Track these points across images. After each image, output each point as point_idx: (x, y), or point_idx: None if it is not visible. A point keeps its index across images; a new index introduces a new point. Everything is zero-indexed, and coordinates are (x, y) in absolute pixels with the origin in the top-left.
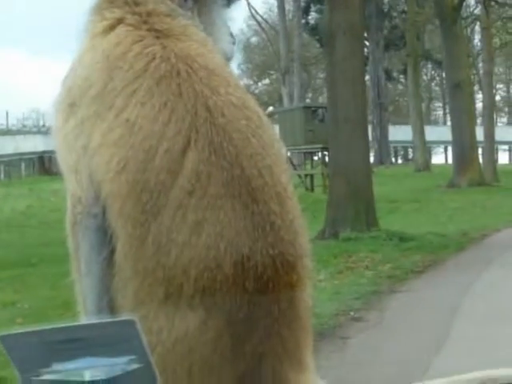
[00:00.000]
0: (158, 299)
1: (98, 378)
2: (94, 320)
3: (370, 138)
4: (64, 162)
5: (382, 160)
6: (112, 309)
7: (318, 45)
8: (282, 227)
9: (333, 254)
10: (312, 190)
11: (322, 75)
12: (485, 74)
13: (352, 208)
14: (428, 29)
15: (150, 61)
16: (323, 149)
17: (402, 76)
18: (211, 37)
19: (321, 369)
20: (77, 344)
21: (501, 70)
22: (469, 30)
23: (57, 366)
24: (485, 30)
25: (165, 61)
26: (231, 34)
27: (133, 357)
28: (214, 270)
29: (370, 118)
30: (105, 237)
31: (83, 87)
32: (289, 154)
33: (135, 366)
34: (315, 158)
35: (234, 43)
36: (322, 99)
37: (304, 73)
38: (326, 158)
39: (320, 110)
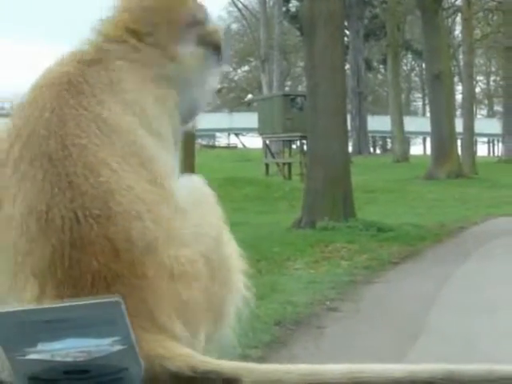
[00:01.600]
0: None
1: (82, 359)
2: (79, 301)
3: (349, 127)
4: None
5: (360, 150)
6: None
7: (298, 33)
8: (85, 184)
9: (309, 244)
10: (290, 178)
11: (301, 63)
12: (465, 65)
13: (329, 197)
14: (408, 19)
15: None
16: (302, 137)
17: (381, 66)
18: (194, 86)
19: (296, 358)
20: (62, 324)
21: (481, 61)
22: (450, 20)
23: (42, 346)
24: (466, 21)
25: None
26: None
27: (117, 338)
28: (26, 233)
29: (349, 107)
30: None
31: None
32: (267, 142)
33: (119, 347)
34: (293, 146)
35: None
36: (302, 88)
37: (284, 61)
38: (305, 147)
39: (299, 99)
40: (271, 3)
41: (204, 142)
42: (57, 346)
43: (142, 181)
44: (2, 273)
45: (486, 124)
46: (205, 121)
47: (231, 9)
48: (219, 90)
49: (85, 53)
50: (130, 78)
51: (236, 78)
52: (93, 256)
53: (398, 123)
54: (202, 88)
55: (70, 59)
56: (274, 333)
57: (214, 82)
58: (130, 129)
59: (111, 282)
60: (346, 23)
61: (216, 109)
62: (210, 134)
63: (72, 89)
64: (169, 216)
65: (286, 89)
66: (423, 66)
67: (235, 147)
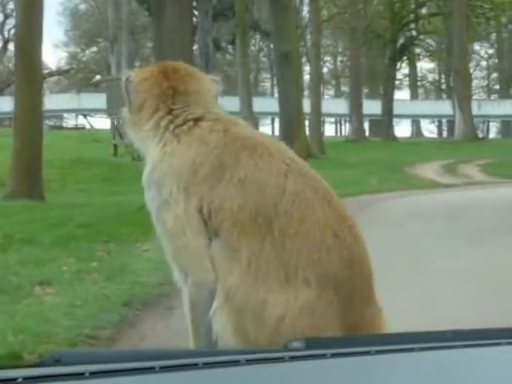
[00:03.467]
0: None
1: None
2: None
3: None
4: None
5: None
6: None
7: (146, 13)
8: (353, 221)
9: None
10: (139, 159)
11: (150, 44)
12: (312, 45)
13: None
14: (257, 0)
15: (244, 139)
16: None
17: (230, 46)
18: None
19: (146, 338)
20: None
21: (328, 42)
22: (297, 1)
23: None
24: (313, 2)
25: (250, 139)
26: None
27: None
28: (319, 243)
29: None
30: None
31: (194, 170)
32: (116, 123)
33: None
34: None
35: None
36: None
37: (132, 42)
38: None
39: None
40: None
41: (51, 123)
42: None
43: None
44: None
45: (334, 104)
46: (52, 101)
47: None
48: (67, 71)
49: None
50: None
51: (84, 58)
52: (363, 269)
53: (247, 103)
54: None
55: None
56: (122, 313)
57: None
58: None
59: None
60: (194, 3)
61: (63, 89)
62: (58, 114)
63: (277, 145)
64: None
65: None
66: (271, 46)
67: (83, 128)
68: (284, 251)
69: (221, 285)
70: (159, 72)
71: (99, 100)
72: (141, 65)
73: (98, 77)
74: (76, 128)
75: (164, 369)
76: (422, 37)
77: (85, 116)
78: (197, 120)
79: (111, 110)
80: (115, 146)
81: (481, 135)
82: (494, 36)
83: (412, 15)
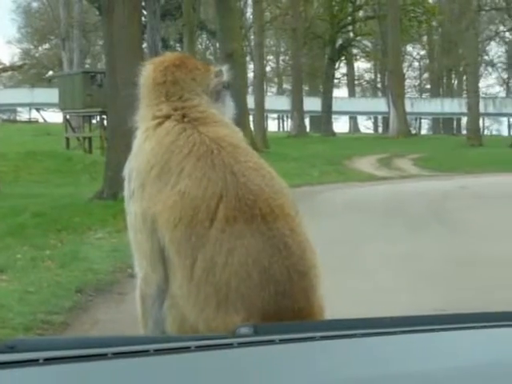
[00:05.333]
0: (212, 306)
1: None
2: None
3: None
4: (134, 241)
5: None
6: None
7: (97, 12)
8: (293, 245)
9: (111, 214)
10: (90, 152)
11: (100, 42)
12: (256, 45)
13: None
14: (203, 0)
15: (193, 145)
16: (101, 112)
17: (178, 44)
18: (224, 111)
19: (99, 322)
20: None
21: (271, 42)
22: (242, 3)
23: None
24: (257, 3)
25: (202, 144)
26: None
27: None
28: (246, 279)
29: None
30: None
31: (146, 171)
32: (68, 117)
33: None
34: (94, 121)
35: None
36: (101, 65)
37: (83, 39)
38: (105, 122)
39: (99, 76)
40: None
41: (5, 117)
42: None
43: (304, 226)
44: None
45: (276, 101)
46: (6, 96)
47: None
48: (20, 66)
49: (192, 118)
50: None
51: (37, 54)
52: (294, 304)
53: None
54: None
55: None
56: (75, 299)
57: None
58: (270, 169)
59: (302, 317)
60: (143, 4)
61: (17, 84)
62: (11, 108)
63: (239, 150)
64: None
65: (86, 66)
66: (217, 45)
67: (36, 122)
68: (214, 280)
69: (170, 288)
70: (149, 64)
71: (52, 95)
72: (92, 61)
73: (50, 72)
74: (29, 122)
75: (116, 355)
76: (358, 38)
77: (38, 110)
78: (164, 117)
79: (63, 105)
80: (67, 139)
81: (413, 131)
82: (425, 38)
83: (350, 18)
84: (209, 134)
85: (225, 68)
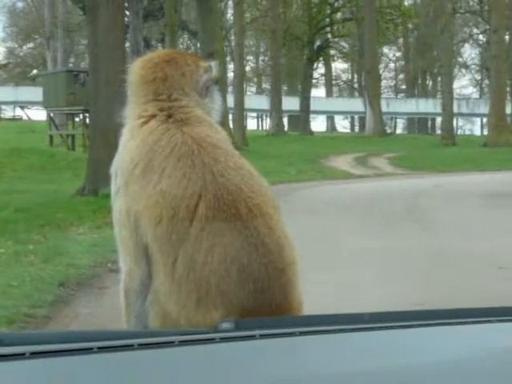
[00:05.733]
0: (193, 303)
1: None
2: None
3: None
4: (119, 237)
5: None
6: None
7: (81, 12)
8: (270, 243)
9: (92, 210)
10: (73, 149)
11: (84, 41)
12: (236, 46)
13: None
14: (185, 1)
15: (175, 146)
16: (84, 111)
17: (160, 44)
18: (213, 107)
19: (80, 316)
20: None
21: (251, 42)
22: (222, 4)
23: None
24: (237, 5)
25: (184, 144)
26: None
27: None
28: (225, 277)
29: None
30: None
31: (130, 168)
32: (51, 114)
33: None
34: (77, 119)
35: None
36: (84, 64)
37: (67, 38)
38: (87, 120)
39: (82, 75)
40: None
41: None
42: None
43: (283, 224)
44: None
45: (256, 100)
46: None
47: None
48: (5, 65)
49: (178, 118)
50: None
51: (21, 53)
52: (273, 300)
53: None
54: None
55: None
56: (57, 293)
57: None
58: (250, 166)
59: (281, 313)
60: (126, 4)
61: (1, 83)
62: None
63: (219, 150)
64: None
65: (70, 65)
66: (198, 45)
67: (20, 119)
68: (195, 277)
69: (153, 283)
70: (139, 61)
71: (36, 93)
72: (75, 61)
73: (34, 71)
74: (13, 119)
75: (101, 349)
76: (336, 40)
77: (22, 108)
78: (150, 117)
79: (47, 103)
80: (51, 137)
81: (389, 131)
82: (401, 40)
83: (328, 20)
84: (191, 135)
85: (214, 63)
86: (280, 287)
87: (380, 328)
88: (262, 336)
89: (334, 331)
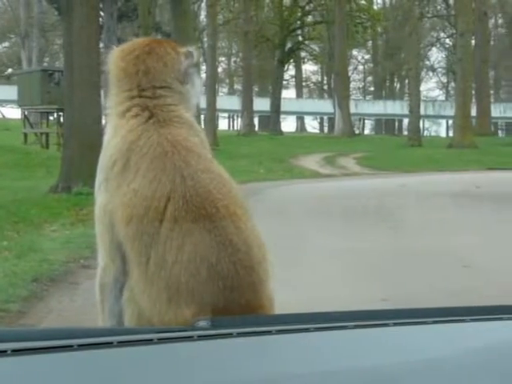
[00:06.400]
0: (164, 301)
1: None
2: None
3: (103, 101)
4: (97, 232)
5: None
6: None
7: (56, 12)
8: (238, 242)
9: (65, 207)
10: (47, 147)
11: (59, 41)
12: (209, 47)
13: (84, 165)
14: (159, 3)
15: (151, 146)
16: (59, 109)
17: None
18: (196, 95)
19: (53, 311)
20: None
21: (223, 44)
22: (196, 6)
23: None
24: (210, 7)
25: (159, 146)
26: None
27: None
28: (195, 275)
29: (102, 82)
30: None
31: (110, 165)
32: (26, 113)
33: None
34: (51, 117)
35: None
36: (59, 64)
37: (42, 38)
38: (61, 118)
39: (57, 74)
40: None
41: None
42: None
43: (252, 224)
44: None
45: (227, 101)
46: None
47: None
48: None
49: (156, 118)
50: (198, 126)
51: None
52: (242, 298)
53: None
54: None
55: (148, 126)
56: (31, 288)
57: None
58: (225, 172)
59: (252, 311)
60: (101, 5)
61: None
62: None
63: (191, 154)
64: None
65: (45, 64)
66: None
67: None
68: (165, 276)
69: (128, 281)
70: (119, 51)
71: (11, 91)
72: (50, 60)
73: (9, 70)
74: None
75: (81, 347)
76: (307, 42)
77: None
78: (132, 117)
79: (22, 101)
80: (25, 135)
81: (357, 131)
82: (370, 43)
83: (299, 22)
84: (168, 137)
85: (193, 48)
86: (249, 285)
87: (355, 327)
88: (239, 334)
89: (310, 329)
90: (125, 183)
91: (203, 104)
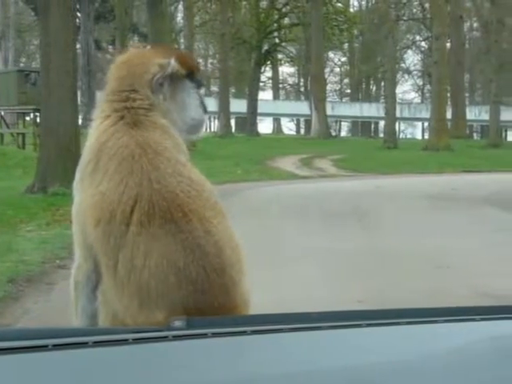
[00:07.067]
0: (136, 305)
1: None
2: None
3: (79, 102)
4: (73, 231)
5: (89, 123)
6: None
7: (32, 13)
8: (207, 245)
9: (41, 207)
10: (23, 147)
11: (35, 42)
12: (186, 48)
13: (61, 165)
14: (136, 4)
15: (119, 148)
16: (35, 110)
17: (110, 46)
18: (182, 110)
19: (29, 311)
20: None
21: (200, 46)
22: (173, 7)
23: None
24: (187, 9)
25: (127, 148)
26: (202, 104)
27: None
28: (164, 280)
29: (79, 83)
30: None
31: (84, 165)
32: (2, 113)
33: None
34: (27, 118)
35: (205, 111)
36: (36, 64)
37: (19, 39)
38: (38, 119)
39: (33, 74)
40: None
41: None
42: None
43: (225, 226)
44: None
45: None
46: None
47: None
48: None
49: (128, 120)
50: (174, 131)
51: None
52: (215, 300)
53: None
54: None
55: (120, 127)
56: (7, 289)
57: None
58: (198, 176)
59: (226, 313)
60: (77, 6)
61: None
62: None
63: (160, 157)
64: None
65: (21, 65)
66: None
67: None
68: (135, 280)
69: (102, 284)
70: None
71: None
72: (27, 60)
73: None
74: None
75: (56, 347)
76: (284, 44)
77: None
78: (105, 118)
79: None
80: (1, 135)
81: (334, 133)
82: (346, 46)
83: (275, 24)
84: (137, 139)
85: (173, 59)
86: (221, 288)
87: (330, 327)
88: (215, 334)
89: (285, 330)
90: (94, 184)
91: None
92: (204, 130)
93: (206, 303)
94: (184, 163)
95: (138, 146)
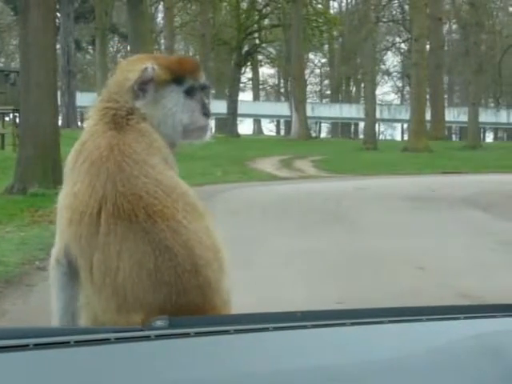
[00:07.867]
0: (113, 308)
1: None
2: None
3: (60, 102)
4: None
5: (69, 123)
6: (77, 317)
7: (12, 13)
8: (175, 246)
9: (20, 208)
10: (3, 148)
11: (15, 42)
12: (166, 49)
13: (40, 166)
14: (116, 5)
15: (92, 149)
16: (14, 110)
17: (90, 47)
18: (169, 115)
19: (8, 313)
20: None
21: (180, 46)
22: (153, 8)
23: None
24: (168, 9)
25: (97, 149)
26: (203, 109)
27: None
28: (139, 282)
29: (59, 84)
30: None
31: (67, 164)
32: None
33: None
34: (7, 118)
35: (206, 115)
36: (15, 64)
37: None
38: (17, 119)
39: (12, 74)
40: None
41: None
42: None
43: (200, 225)
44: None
45: None
46: None
47: None
48: None
49: (108, 121)
50: (154, 135)
51: None
52: (191, 301)
53: None
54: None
55: (102, 130)
56: None
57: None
58: (168, 177)
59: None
60: (58, 6)
61: None
62: None
63: (127, 159)
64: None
65: (0, 65)
66: (128, 48)
67: None
68: (110, 283)
69: (83, 286)
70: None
71: None
72: (6, 60)
73: None
74: None
75: (37, 346)
76: (264, 45)
77: None
78: (90, 116)
79: None
80: None
81: (314, 134)
82: (326, 47)
83: (256, 25)
84: (109, 140)
85: (153, 65)
86: (197, 288)
87: (313, 326)
88: (197, 334)
89: (268, 329)
90: (70, 184)
91: None
92: (208, 134)
93: (183, 305)
94: (153, 165)
95: (108, 149)
